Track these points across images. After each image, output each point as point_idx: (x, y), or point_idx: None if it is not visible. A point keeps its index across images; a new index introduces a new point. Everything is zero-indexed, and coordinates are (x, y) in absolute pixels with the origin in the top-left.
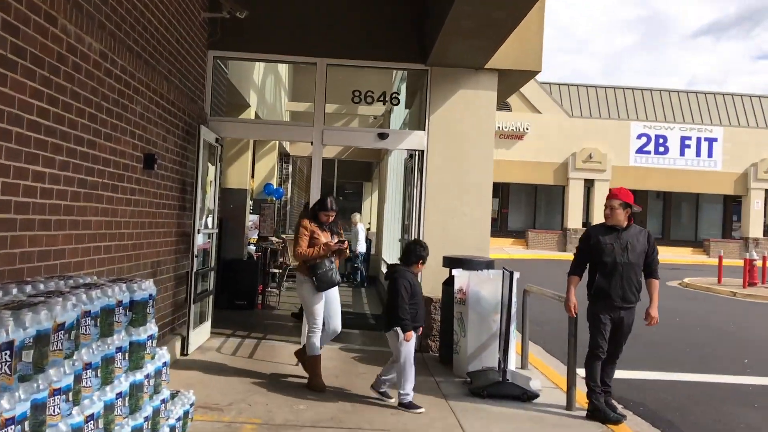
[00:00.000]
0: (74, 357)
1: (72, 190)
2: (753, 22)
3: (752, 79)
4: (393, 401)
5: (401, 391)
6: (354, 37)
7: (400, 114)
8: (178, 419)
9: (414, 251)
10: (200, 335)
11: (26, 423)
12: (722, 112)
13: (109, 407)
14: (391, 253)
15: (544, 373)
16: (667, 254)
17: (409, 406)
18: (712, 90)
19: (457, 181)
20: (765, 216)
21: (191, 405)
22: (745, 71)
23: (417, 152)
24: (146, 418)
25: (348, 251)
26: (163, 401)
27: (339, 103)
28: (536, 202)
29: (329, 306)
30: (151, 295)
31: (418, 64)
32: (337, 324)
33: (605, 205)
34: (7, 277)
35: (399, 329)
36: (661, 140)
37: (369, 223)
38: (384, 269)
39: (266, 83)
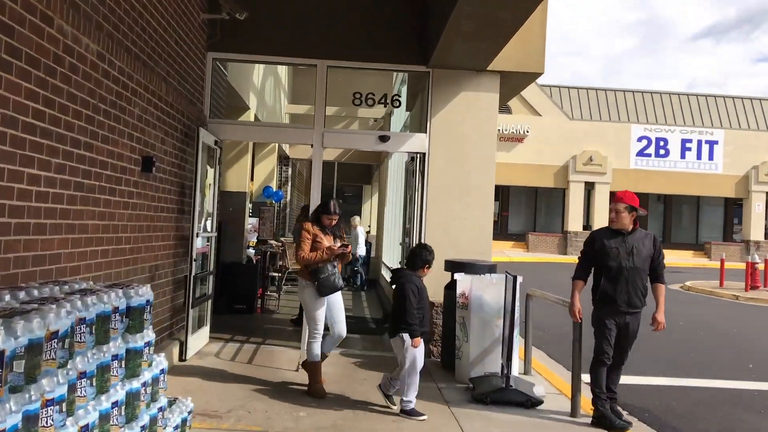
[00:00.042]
0: (68, 366)
1: (68, 194)
2: (753, 24)
3: (752, 81)
4: (396, 408)
5: (404, 398)
6: (354, 38)
7: (400, 117)
8: (176, 427)
9: (420, 255)
10: (199, 340)
11: None
12: (723, 114)
13: (104, 417)
14: (391, 257)
15: (548, 378)
16: (668, 257)
17: (411, 413)
18: (713, 92)
19: (458, 183)
20: (766, 219)
21: (189, 412)
22: (744, 74)
23: (418, 155)
24: (143, 428)
25: (350, 255)
26: (161, 409)
27: (339, 106)
28: (536, 205)
29: (333, 311)
30: (148, 301)
31: (420, 65)
32: (341, 329)
33: (610, 209)
34: (1, 282)
35: (404, 335)
36: (661, 143)
37: (369, 226)
38: (384, 272)
39: (266, 85)
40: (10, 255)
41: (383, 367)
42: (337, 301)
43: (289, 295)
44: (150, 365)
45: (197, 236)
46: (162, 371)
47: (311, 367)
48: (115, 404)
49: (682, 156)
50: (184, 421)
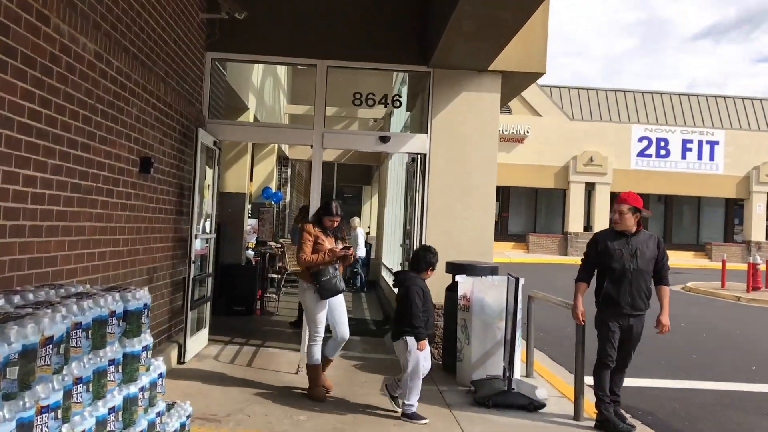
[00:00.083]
0: (64, 372)
1: (65, 195)
2: (753, 24)
3: (752, 81)
4: (399, 412)
5: (406, 401)
6: (354, 38)
7: (400, 117)
8: None
9: (424, 258)
10: (197, 342)
11: None
12: (724, 115)
13: (101, 423)
14: (391, 258)
15: (550, 381)
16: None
17: (412, 417)
18: (714, 93)
19: (459, 184)
20: (767, 219)
21: (188, 417)
22: (745, 74)
23: (419, 156)
24: None
25: (352, 257)
26: (159, 414)
27: (339, 106)
28: (537, 206)
29: (334, 313)
30: (146, 305)
31: (420, 65)
32: (344, 331)
33: (614, 210)
34: None
35: (408, 338)
36: (662, 143)
37: (368, 227)
38: (384, 273)
39: (265, 85)
40: (5, 258)
41: (384, 370)
42: (339, 303)
43: (288, 297)
44: (148, 369)
45: (196, 238)
46: (160, 375)
47: (312, 370)
48: (112, 410)
49: (683, 156)
50: (182, 425)
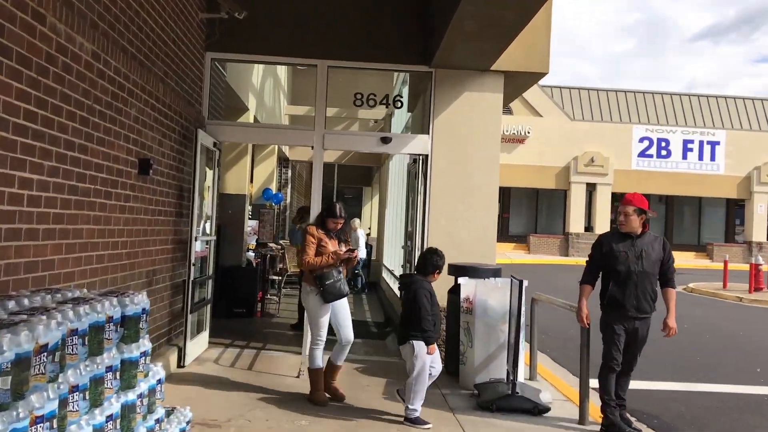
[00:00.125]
0: (59, 380)
1: (62, 198)
2: (752, 25)
3: (752, 82)
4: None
5: (409, 406)
6: (355, 38)
7: (401, 118)
8: None
9: (431, 261)
10: (198, 346)
11: None
12: (725, 115)
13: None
14: (392, 260)
15: (554, 384)
16: None
17: (415, 422)
18: (715, 93)
19: (461, 185)
20: None
21: (188, 423)
22: (745, 74)
23: (420, 156)
24: None
25: (356, 260)
26: (158, 421)
27: (339, 107)
28: (538, 207)
29: (338, 316)
30: (144, 309)
31: (422, 66)
32: (348, 333)
33: (619, 211)
34: None
35: (415, 342)
36: (663, 144)
37: (369, 229)
38: (385, 275)
39: (265, 86)
40: (1, 262)
41: (386, 373)
42: (342, 306)
43: (288, 299)
44: (146, 375)
45: (196, 240)
46: (159, 381)
47: (313, 374)
48: (109, 418)
49: (684, 157)
50: (182, 431)
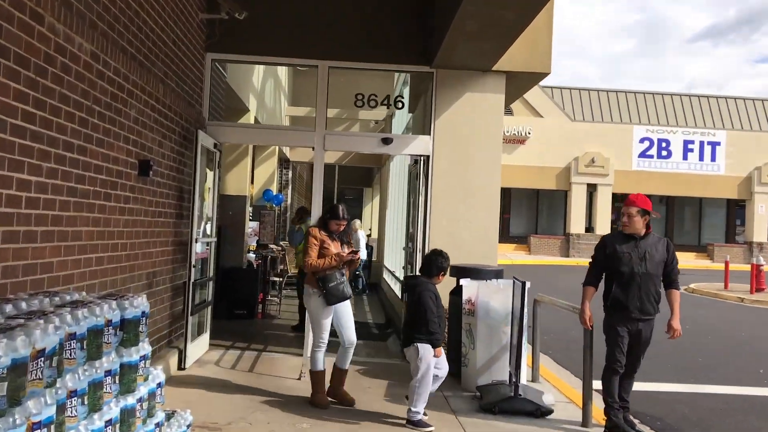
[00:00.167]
0: (57, 385)
1: (61, 199)
2: (752, 26)
3: (752, 82)
4: (426, 417)
5: (412, 408)
6: (355, 38)
7: (402, 119)
8: None
9: (435, 263)
10: (198, 348)
11: None
12: (725, 115)
13: None
14: (393, 261)
15: (556, 386)
16: None
17: (417, 425)
18: (715, 93)
19: (463, 186)
20: None
21: (188, 426)
22: (744, 75)
23: (422, 157)
24: None
25: (359, 261)
26: (158, 425)
27: (340, 108)
28: (538, 207)
29: (341, 319)
30: (143, 313)
31: (423, 66)
32: (351, 335)
33: (622, 212)
34: None
35: (419, 344)
36: (663, 144)
37: (369, 230)
38: (386, 276)
39: (266, 87)
40: None
41: (388, 375)
42: (345, 308)
43: (289, 300)
44: (146, 379)
45: (196, 241)
46: (159, 385)
47: (315, 376)
48: (108, 423)
49: (684, 157)
50: None
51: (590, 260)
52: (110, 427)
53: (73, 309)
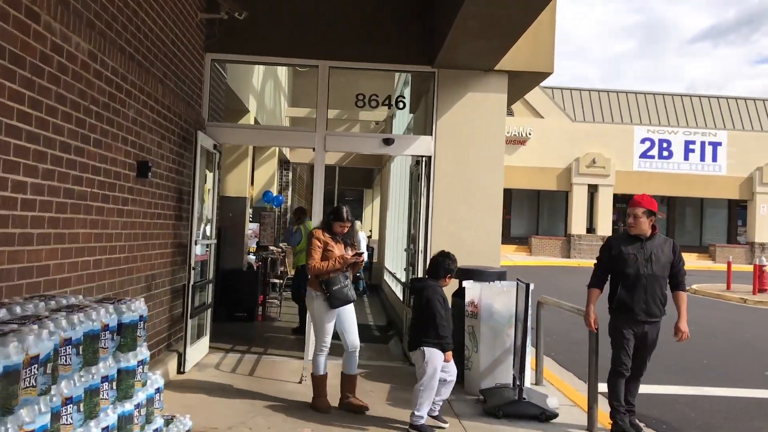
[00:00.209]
0: (52, 392)
1: (57, 201)
2: (752, 27)
3: (752, 83)
4: (447, 426)
5: (415, 412)
6: (356, 38)
7: (403, 120)
8: None
9: (442, 264)
10: (198, 351)
11: None
12: (726, 115)
13: None
14: (395, 263)
15: (560, 389)
16: None
17: (420, 429)
18: (716, 94)
19: (465, 187)
20: None
21: (188, 431)
22: (744, 76)
23: (423, 158)
24: None
25: (363, 263)
26: (156, 431)
27: (340, 109)
28: (539, 208)
29: (344, 322)
30: (141, 317)
31: (425, 66)
32: (354, 339)
33: (628, 213)
34: None
35: (425, 348)
36: (664, 144)
37: (370, 231)
38: (387, 278)
39: (266, 88)
40: None
41: (389, 378)
42: (348, 311)
43: (290, 302)
44: (144, 385)
45: (196, 243)
46: (157, 390)
47: (317, 380)
48: (105, 430)
49: (686, 158)
50: None
51: (595, 262)
52: None
53: (69, 313)
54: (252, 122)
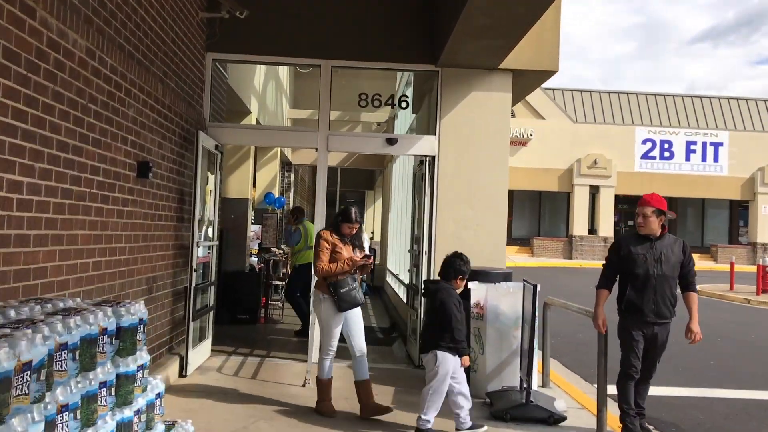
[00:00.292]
0: (46, 399)
1: (55, 201)
2: (751, 27)
3: (752, 83)
4: (485, 429)
5: (422, 416)
6: (359, 37)
7: (405, 120)
8: None
9: (453, 265)
10: (200, 354)
11: None
12: (728, 116)
13: None
14: (397, 265)
15: (567, 391)
16: None
17: None
18: (717, 94)
19: (470, 187)
20: None
21: None
22: (744, 76)
23: (427, 158)
24: None
25: (372, 266)
26: None
27: (342, 110)
28: (541, 209)
29: (351, 325)
30: (141, 320)
31: (428, 65)
32: (360, 343)
33: (637, 213)
34: None
35: (439, 352)
36: (666, 145)
37: (372, 233)
38: (389, 279)
39: (267, 89)
40: None
41: (394, 381)
42: (356, 315)
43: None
44: (144, 390)
45: (198, 245)
46: (158, 395)
47: (321, 384)
48: None
49: (687, 158)
50: None
51: (604, 262)
52: None
53: (65, 317)
54: (254, 123)
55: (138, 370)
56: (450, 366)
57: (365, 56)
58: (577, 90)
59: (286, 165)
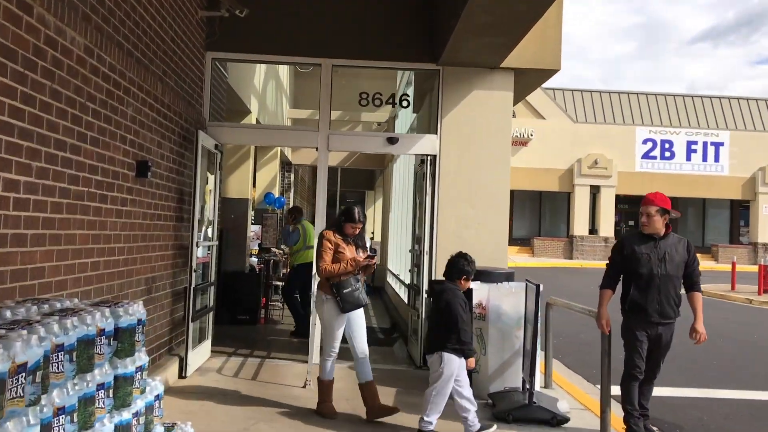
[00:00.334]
0: (42, 402)
1: (52, 201)
2: (751, 27)
3: (752, 83)
4: (494, 428)
5: (424, 418)
6: (359, 35)
7: (406, 119)
8: None
9: (457, 265)
10: (200, 355)
11: None
12: (728, 116)
13: None
14: (398, 265)
15: (570, 392)
16: None
17: None
18: (718, 94)
19: (471, 186)
20: None
21: None
22: (744, 76)
23: (428, 157)
24: None
25: (375, 266)
26: None
27: (342, 110)
28: (541, 209)
29: (353, 327)
30: (140, 321)
31: (429, 63)
32: (362, 345)
33: (641, 212)
34: None
35: (444, 353)
36: (666, 145)
37: (372, 233)
38: (390, 279)
39: (267, 88)
40: None
41: (395, 381)
42: (358, 316)
43: None
44: (143, 392)
45: (197, 245)
46: (157, 397)
47: (322, 385)
48: None
49: (688, 158)
50: None
51: (607, 262)
52: None
53: (62, 318)
54: (254, 123)
55: (136, 372)
56: (455, 368)
57: (365, 55)
58: (577, 90)
59: (286, 165)
